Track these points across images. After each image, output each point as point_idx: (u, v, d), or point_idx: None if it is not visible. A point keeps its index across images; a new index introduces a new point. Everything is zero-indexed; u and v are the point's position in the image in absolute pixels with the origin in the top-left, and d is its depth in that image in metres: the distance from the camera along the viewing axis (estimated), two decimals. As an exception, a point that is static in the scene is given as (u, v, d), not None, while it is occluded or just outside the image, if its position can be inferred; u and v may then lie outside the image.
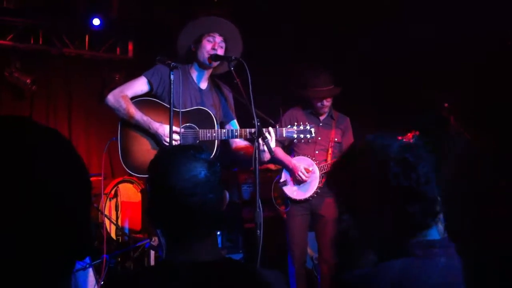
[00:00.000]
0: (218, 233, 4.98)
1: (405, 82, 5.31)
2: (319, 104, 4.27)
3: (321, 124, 4.34)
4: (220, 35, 3.34)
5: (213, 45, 3.30)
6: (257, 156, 2.86)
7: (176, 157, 1.45)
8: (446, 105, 4.41)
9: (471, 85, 4.80)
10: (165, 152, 1.59)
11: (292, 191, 4.26)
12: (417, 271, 1.18)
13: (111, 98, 3.22)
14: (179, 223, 1.45)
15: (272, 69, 5.68)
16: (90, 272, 4.31)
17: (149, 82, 3.29)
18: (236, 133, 3.21)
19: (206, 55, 3.29)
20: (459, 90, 4.74)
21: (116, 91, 3.26)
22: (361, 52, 5.43)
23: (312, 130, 3.31)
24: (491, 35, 4.46)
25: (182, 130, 3.16)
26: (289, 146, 4.38)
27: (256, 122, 2.93)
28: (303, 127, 3.31)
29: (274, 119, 3.40)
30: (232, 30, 3.41)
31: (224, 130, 3.28)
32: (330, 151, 4.28)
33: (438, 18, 4.76)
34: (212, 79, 3.52)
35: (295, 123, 3.35)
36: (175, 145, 3.00)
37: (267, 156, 3.11)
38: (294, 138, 3.32)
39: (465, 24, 4.42)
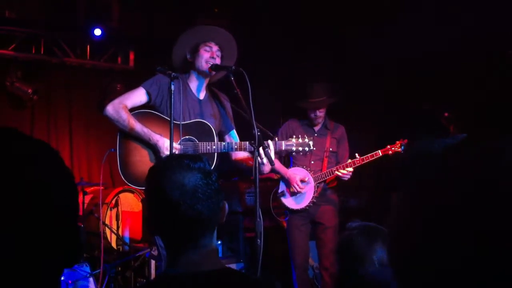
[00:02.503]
0: (219, 242, 4.97)
1: (405, 83, 5.32)
2: (312, 114, 4.40)
3: (316, 134, 4.42)
4: (216, 44, 3.34)
5: (211, 54, 3.29)
6: (256, 165, 2.84)
7: (170, 166, 1.43)
8: (446, 114, 4.42)
9: (471, 86, 4.79)
10: (161, 161, 1.59)
11: (289, 201, 4.37)
12: None
13: (110, 109, 3.19)
14: (172, 232, 1.44)
15: (272, 72, 5.69)
16: (91, 281, 4.30)
17: (148, 93, 3.27)
18: (235, 146, 3.18)
19: (205, 64, 3.28)
20: (458, 92, 4.74)
21: (116, 102, 3.23)
22: (361, 53, 5.43)
23: (311, 143, 3.30)
24: (492, 36, 4.46)
25: (181, 146, 3.15)
26: (287, 156, 4.49)
27: (256, 132, 2.90)
28: (302, 140, 3.29)
29: (273, 130, 3.38)
30: (227, 38, 3.40)
31: (224, 143, 3.24)
32: (325, 161, 4.37)
33: (438, 20, 4.77)
34: (209, 88, 3.50)
35: (294, 136, 3.34)
36: (173, 154, 2.96)
37: (266, 169, 3.10)
38: (293, 151, 3.31)
39: (466, 26, 4.43)
